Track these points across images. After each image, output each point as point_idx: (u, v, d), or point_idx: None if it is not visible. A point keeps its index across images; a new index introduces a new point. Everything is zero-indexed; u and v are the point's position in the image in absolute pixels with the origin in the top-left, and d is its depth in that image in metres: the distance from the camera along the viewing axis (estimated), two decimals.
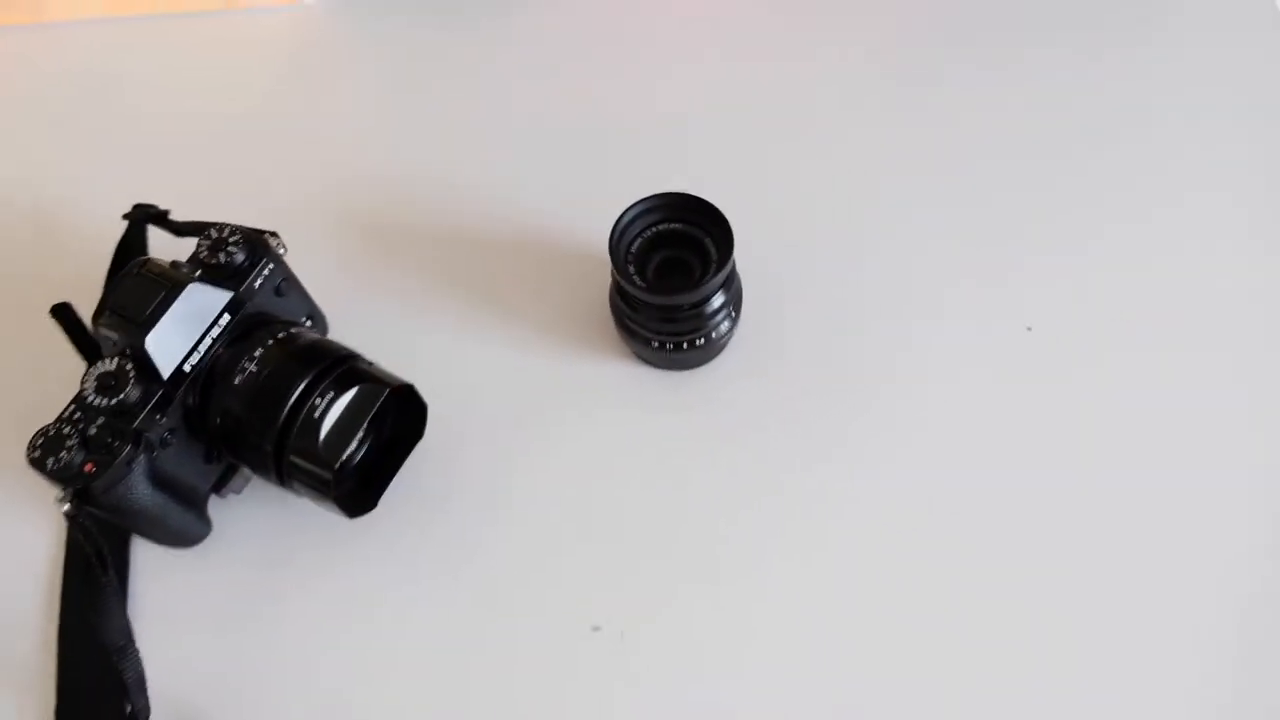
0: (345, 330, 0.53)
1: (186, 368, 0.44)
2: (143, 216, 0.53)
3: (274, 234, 0.49)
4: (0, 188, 0.59)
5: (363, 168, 0.58)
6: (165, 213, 0.52)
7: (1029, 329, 0.51)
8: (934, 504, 0.48)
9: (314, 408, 0.43)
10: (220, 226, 0.47)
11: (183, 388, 0.44)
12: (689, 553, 0.47)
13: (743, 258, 0.50)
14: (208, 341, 0.45)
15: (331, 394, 0.44)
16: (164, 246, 0.52)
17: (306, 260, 0.52)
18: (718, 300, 0.46)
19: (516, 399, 0.51)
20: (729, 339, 0.50)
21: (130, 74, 0.63)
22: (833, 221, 0.55)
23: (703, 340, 0.47)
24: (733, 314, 0.48)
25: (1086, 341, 0.51)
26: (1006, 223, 0.54)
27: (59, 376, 0.47)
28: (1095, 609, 0.46)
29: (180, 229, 0.51)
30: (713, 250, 0.46)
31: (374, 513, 0.47)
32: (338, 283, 0.54)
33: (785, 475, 0.48)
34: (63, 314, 0.50)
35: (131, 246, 0.53)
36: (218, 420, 0.45)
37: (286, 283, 0.49)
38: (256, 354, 0.45)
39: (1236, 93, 0.58)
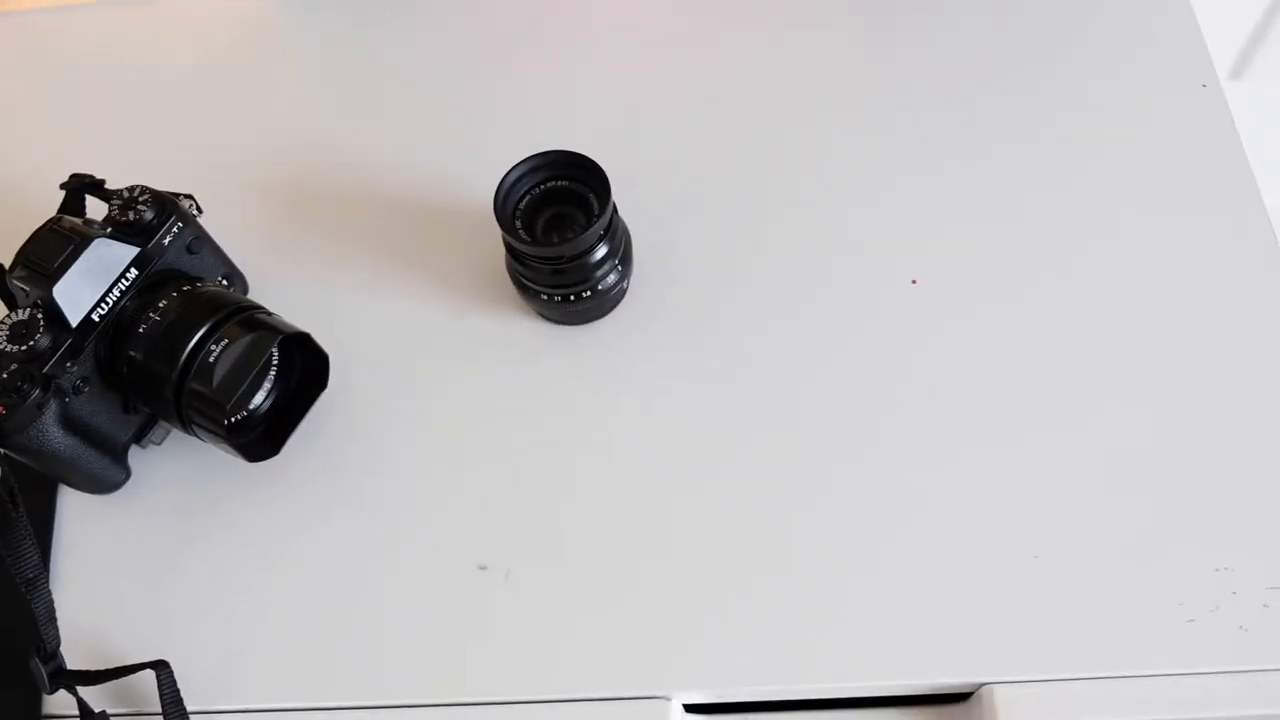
0: (264, 288, 0.55)
1: (95, 317, 0.47)
2: (78, 185, 0.56)
3: (188, 196, 0.51)
4: None
5: (290, 140, 0.61)
6: (100, 181, 0.55)
7: (914, 281, 0.52)
8: (817, 453, 0.49)
9: (209, 353, 0.46)
10: (133, 188, 0.50)
11: (92, 337, 0.47)
12: (575, 496, 0.49)
13: (636, 216, 0.52)
14: (115, 294, 0.47)
15: (226, 341, 0.46)
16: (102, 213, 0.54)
17: (231, 223, 0.55)
18: (600, 251, 0.48)
19: (420, 352, 0.53)
20: (620, 292, 0.51)
21: (78, 56, 0.66)
22: (723, 179, 0.56)
23: (589, 292, 0.49)
24: (619, 267, 0.50)
25: (970, 293, 0.52)
26: (895, 174, 0.56)
27: None
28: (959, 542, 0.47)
29: (111, 195, 0.54)
30: (595, 205, 0.48)
31: (282, 459, 0.49)
32: (259, 245, 0.57)
33: (672, 421, 0.50)
34: None
35: (69, 212, 0.56)
36: (125, 369, 0.47)
37: (198, 241, 0.51)
38: (160, 305, 0.47)
39: (1118, 37, 0.59)
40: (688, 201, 0.56)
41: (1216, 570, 0.45)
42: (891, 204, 0.55)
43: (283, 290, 0.55)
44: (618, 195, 0.49)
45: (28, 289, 0.47)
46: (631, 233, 0.52)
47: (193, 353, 0.46)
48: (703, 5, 0.63)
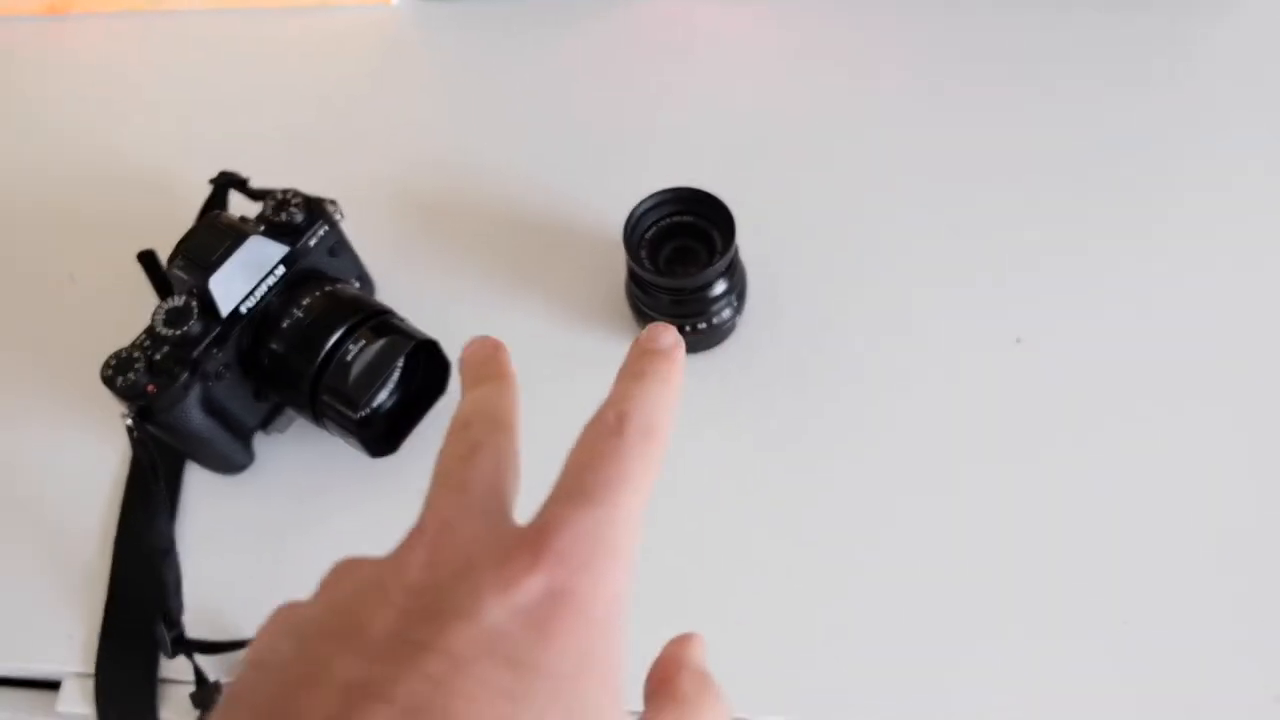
0: (390, 293, 0.58)
1: (243, 309, 0.50)
2: (225, 181, 0.59)
3: (333, 201, 0.54)
4: (118, 156, 0.67)
5: (425, 153, 0.64)
6: (245, 180, 0.59)
7: (1018, 340, 0.53)
8: (907, 498, 0.50)
9: (346, 352, 0.49)
10: (286, 190, 0.53)
11: (238, 327, 0.50)
12: (672, 519, 0.51)
13: (751, 254, 0.54)
14: (263, 289, 0.51)
15: (363, 342, 0.49)
16: (244, 209, 0.58)
17: (364, 228, 0.58)
18: (720, 287, 0.50)
19: (534, 367, 0.55)
20: (732, 326, 0.53)
21: (227, 57, 0.70)
22: (836, 223, 0.58)
23: (704, 324, 0.51)
24: (734, 302, 0.52)
25: (1074, 354, 0.53)
26: (1005, 228, 0.57)
27: (148, 311, 0.53)
28: (1077, 610, 0.48)
29: (255, 194, 0.57)
30: (719, 241, 0.50)
31: (397, 457, 0.52)
32: (389, 251, 0.60)
33: (771, 454, 0.52)
34: (147, 259, 0.57)
35: (214, 206, 0.60)
36: (265, 359, 0.51)
37: (339, 244, 0.54)
38: (304, 303, 0.50)
39: (1244, 106, 0.59)
40: (801, 242, 0.58)
41: None
42: (1003, 261, 0.56)
43: (408, 296, 0.57)
44: (738, 230, 0.51)
45: (185, 277, 0.50)
46: (746, 268, 0.54)
47: (331, 351, 0.49)
48: (833, 52, 0.65)
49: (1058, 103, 0.61)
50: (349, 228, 0.56)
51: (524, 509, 0.52)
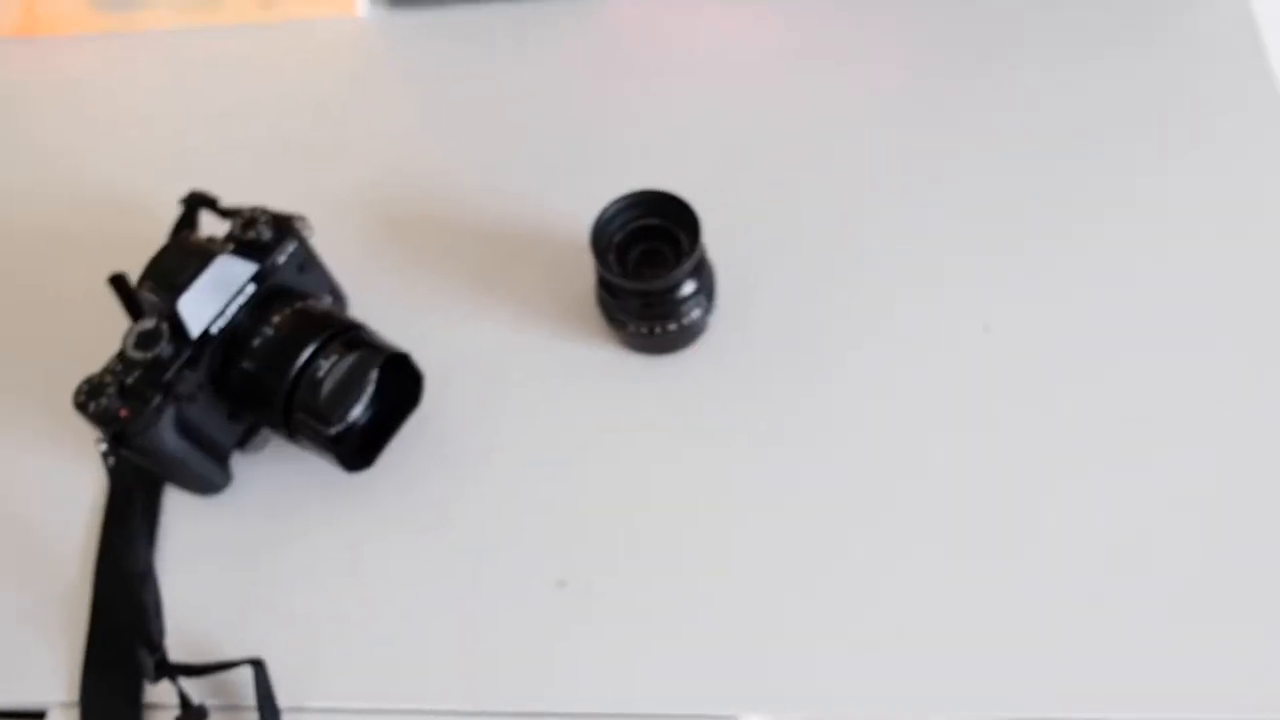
0: (364, 307, 0.58)
1: (214, 330, 0.50)
2: (195, 201, 0.59)
3: (301, 218, 0.54)
4: (89, 176, 0.67)
5: (396, 164, 0.64)
6: (215, 199, 0.59)
7: (987, 329, 0.53)
8: (884, 488, 0.50)
9: (318, 369, 0.49)
10: (254, 209, 0.53)
11: (210, 348, 0.50)
12: (652, 518, 0.51)
13: (720, 254, 0.54)
14: (233, 308, 0.50)
15: (335, 358, 0.49)
16: (217, 229, 0.58)
17: (337, 243, 0.58)
18: (688, 288, 0.50)
19: (509, 375, 0.56)
20: (704, 326, 0.54)
21: (201, 78, 0.70)
22: (804, 222, 0.58)
23: (674, 325, 0.51)
24: (704, 302, 0.52)
25: (1041, 341, 0.53)
26: (974, 222, 0.57)
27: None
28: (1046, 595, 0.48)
29: (225, 213, 0.57)
30: (685, 243, 0.50)
31: (373, 472, 0.52)
32: (362, 264, 0.60)
33: (746, 451, 0.52)
34: (118, 283, 0.56)
35: (185, 226, 0.60)
36: (237, 379, 0.51)
37: (309, 261, 0.54)
38: (274, 320, 0.50)
39: (1204, 102, 0.60)
40: (770, 242, 0.58)
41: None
42: (970, 252, 0.56)
43: (381, 310, 0.57)
44: (707, 231, 0.51)
45: (155, 300, 0.50)
46: (716, 269, 0.54)
47: (302, 368, 0.49)
48: (799, 54, 0.65)
49: (1021, 97, 0.61)
50: (321, 243, 0.56)
51: (514, 506, 0.52)
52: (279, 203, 0.56)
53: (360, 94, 0.68)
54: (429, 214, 0.62)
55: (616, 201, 0.51)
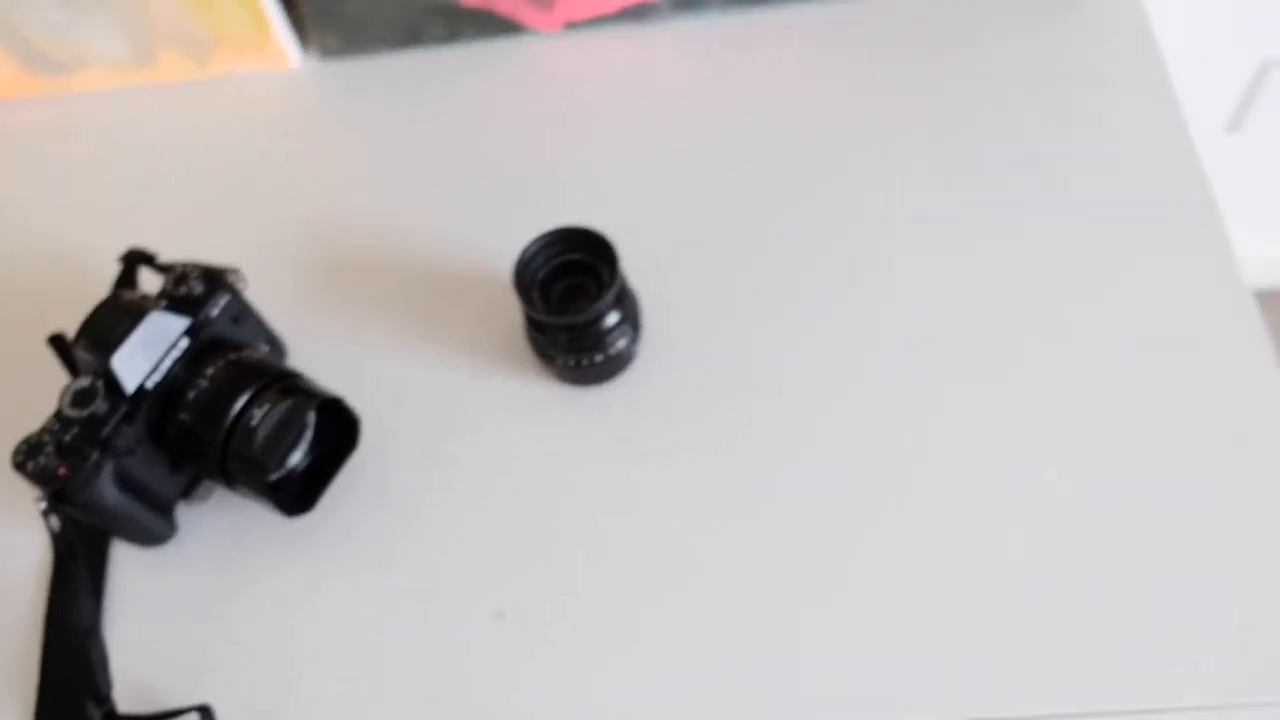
0: (303, 353, 0.59)
1: (149, 385, 0.51)
2: (134, 259, 0.61)
3: (234, 270, 0.56)
4: (31, 236, 0.68)
5: (331, 211, 0.66)
6: (153, 256, 0.60)
7: (909, 343, 0.55)
8: (818, 503, 0.52)
9: (251, 417, 0.50)
10: (186, 264, 0.54)
11: (146, 403, 0.51)
12: (589, 548, 0.52)
13: (645, 283, 0.56)
14: (168, 362, 0.52)
15: (268, 406, 0.50)
16: (156, 284, 0.59)
17: (274, 292, 0.59)
18: (612, 318, 0.52)
19: (445, 413, 0.57)
20: (631, 354, 0.55)
21: (141, 137, 0.72)
22: (723, 248, 0.60)
23: (602, 356, 0.53)
24: (630, 332, 0.53)
25: (964, 351, 0.55)
26: (886, 238, 0.59)
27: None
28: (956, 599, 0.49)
29: (163, 269, 0.58)
30: (605, 276, 0.52)
31: (316, 515, 0.53)
32: (299, 312, 0.61)
33: (679, 474, 0.53)
34: (58, 343, 0.57)
35: (125, 284, 0.61)
36: (175, 431, 0.52)
37: (243, 312, 0.55)
38: (209, 373, 0.51)
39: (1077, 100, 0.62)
40: (692, 269, 0.59)
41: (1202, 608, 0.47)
42: (886, 269, 0.58)
43: (319, 356, 0.59)
44: (629, 262, 0.53)
45: (90, 358, 0.51)
46: (641, 298, 0.56)
47: (236, 418, 0.50)
48: (715, 84, 0.67)
49: (924, 110, 0.63)
50: (259, 292, 0.57)
51: (455, 541, 0.53)
52: (219, 255, 0.57)
53: (296, 144, 0.70)
54: (365, 259, 0.63)
55: (536, 240, 0.52)
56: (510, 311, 0.58)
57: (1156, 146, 0.60)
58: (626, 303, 0.53)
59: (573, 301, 0.53)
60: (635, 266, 0.56)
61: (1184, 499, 0.50)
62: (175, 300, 0.53)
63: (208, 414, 0.50)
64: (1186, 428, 0.52)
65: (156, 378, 0.51)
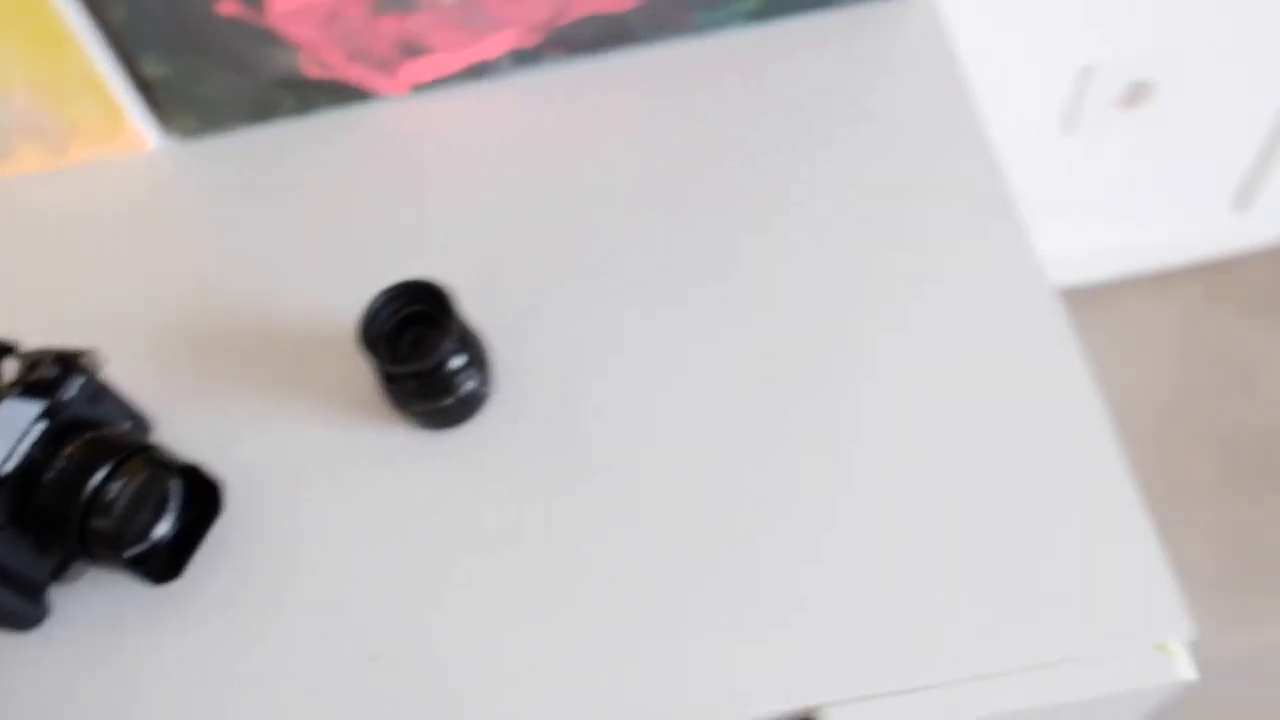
0: (169, 426, 0.61)
1: (6, 469, 0.52)
2: None
3: (88, 352, 0.57)
4: None
5: (191, 286, 0.67)
6: (13, 346, 0.61)
7: (744, 365, 0.59)
8: (663, 531, 0.55)
9: (108, 492, 0.51)
10: (40, 350, 0.56)
11: (5, 488, 0.52)
12: (457, 584, 0.54)
13: (498, 328, 0.59)
14: (25, 446, 0.53)
15: (125, 479, 0.52)
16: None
17: (134, 369, 0.61)
18: (457, 362, 0.54)
19: (309, 471, 0.59)
20: (482, 397, 0.58)
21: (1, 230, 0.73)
22: (568, 290, 0.63)
23: (452, 399, 0.55)
24: (477, 374, 0.56)
25: (792, 372, 0.59)
26: (711, 277, 0.63)
27: None
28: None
29: (20, 358, 0.60)
30: (444, 322, 0.54)
31: (189, 582, 0.54)
32: (162, 387, 0.62)
33: (537, 509, 0.56)
34: None
35: None
36: (36, 513, 0.53)
37: (100, 392, 0.57)
38: (66, 453, 0.53)
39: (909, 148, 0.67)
40: (541, 311, 0.62)
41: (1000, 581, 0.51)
42: (721, 298, 0.62)
43: (185, 426, 0.60)
44: (481, 309, 0.56)
45: None
46: (495, 341, 0.59)
47: (94, 493, 0.51)
48: (550, 134, 0.71)
49: (747, 143, 0.67)
50: (122, 370, 0.59)
51: (326, 593, 0.53)
52: (83, 336, 0.59)
53: (155, 224, 0.72)
54: (226, 329, 0.65)
55: (379, 296, 0.55)
56: (366, 366, 0.60)
57: (958, 156, 0.64)
58: (471, 346, 0.56)
59: (421, 350, 0.55)
60: (487, 312, 0.58)
61: (1001, 479, 0.54)
62: (29, 386, 0.54)
63: (65, 493, 0.52)
64: (998, 417, 0.56)
65: (14, 462, 0.52)
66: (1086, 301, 1.25)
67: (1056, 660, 0.49)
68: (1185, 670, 0.49)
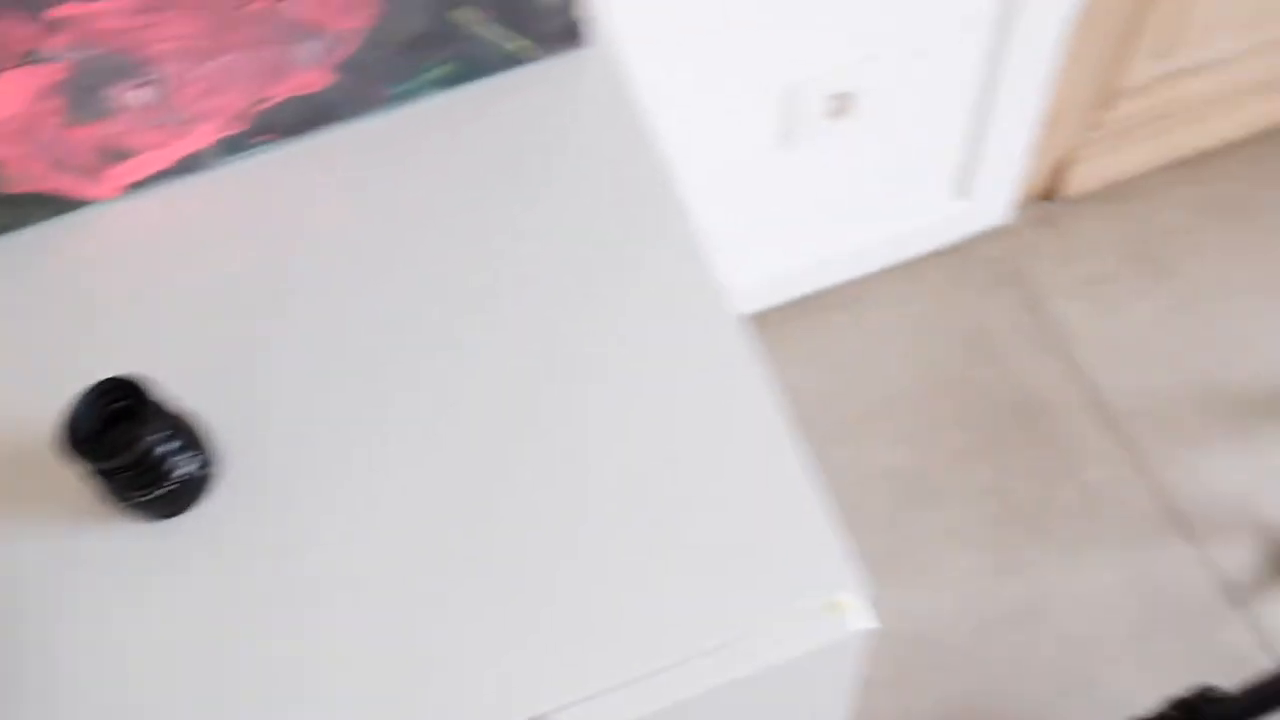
0: None
1: None
2: None
3: None
4: None
5: None
6: None
7: (456, 433, 0.63)
8: (395, 578, 0.58)
9: None
10: None
11: None
12: (202, 667, 0.56)
13: (223, 411, 0.61)
14: None
15: None
16: None
17: None
18: (169, 445, 0.56)
19: (40, 585, 0.60)
20: (204, 478, 0.60)
21: None
22: (293, 373, 0.66)
23: (170, 485, 0.57)
24: (195, 455, 0.58)
25: (512, 429, 0.63)
26: (422, 351, 0.66)
27: None
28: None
29: None
30: (142, 412, 0.56)
31: None
32: None
33: (273, 579, 0.59)
34: None
35: None
36: None
37: None
38: None
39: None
40: (263, 392, 0.65)
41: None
42: (435, 365, 0.65)
43: None
44: (205, 396, 0.58)
45: None
46: (221, 426, 0.61)
47: None
48: (263, 218, 0.73)
49: (453, 210, 0.72)
50: None
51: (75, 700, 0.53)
52: None
53: None
54: None
55: (77, 400, 0.56)
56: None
57: (641, 199, 0.70)
58: (183, 431, 0.58)
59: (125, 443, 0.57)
60: (211, 398, 0.61)
61: (686, 487, 0.60)
62: None
63: None
64: (687, 433, 0.61)
65: None
66: (835, 302, 1.35)
67: (736, 637, 0.55)
68: (861, 621, 0.55)
